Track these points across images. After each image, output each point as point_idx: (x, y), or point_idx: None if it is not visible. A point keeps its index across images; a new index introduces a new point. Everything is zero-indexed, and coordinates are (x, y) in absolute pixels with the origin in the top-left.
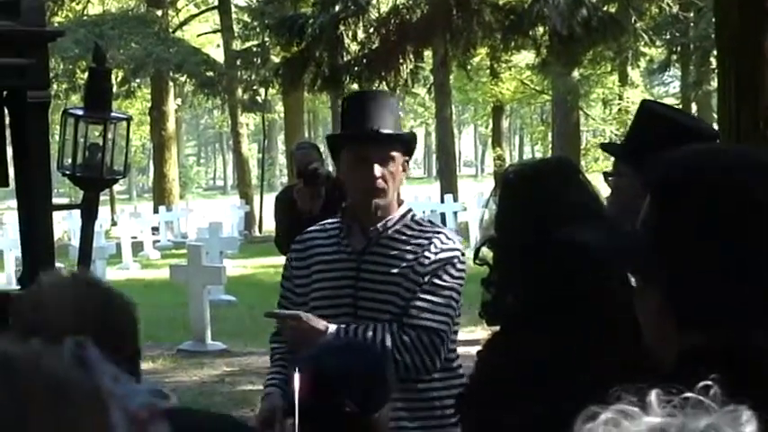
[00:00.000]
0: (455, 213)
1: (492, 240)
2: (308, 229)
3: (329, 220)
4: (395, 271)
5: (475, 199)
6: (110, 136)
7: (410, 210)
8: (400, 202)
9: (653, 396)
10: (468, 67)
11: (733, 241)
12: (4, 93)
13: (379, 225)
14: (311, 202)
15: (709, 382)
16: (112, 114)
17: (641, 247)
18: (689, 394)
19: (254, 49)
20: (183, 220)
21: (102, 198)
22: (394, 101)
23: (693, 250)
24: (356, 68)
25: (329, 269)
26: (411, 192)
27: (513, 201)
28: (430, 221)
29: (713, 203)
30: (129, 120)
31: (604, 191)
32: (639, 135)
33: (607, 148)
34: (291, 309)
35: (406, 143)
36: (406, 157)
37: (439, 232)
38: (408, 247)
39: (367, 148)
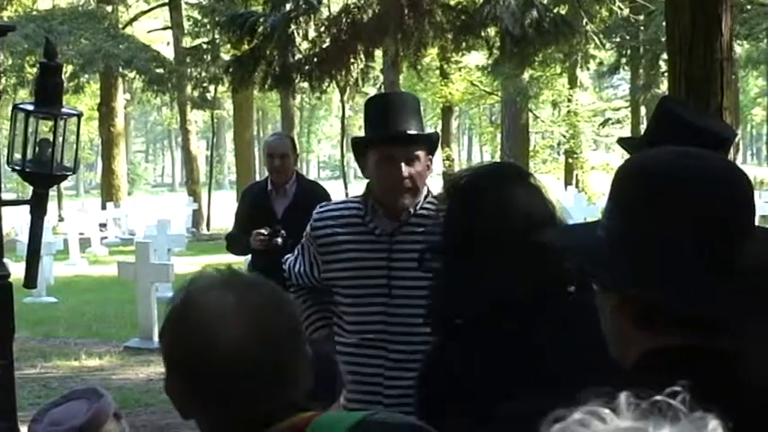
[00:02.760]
0: None
1: (438, 247)
2: (328, 206)
3: (343, 206)
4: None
5: None
6: (60, 132)
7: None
8: None
9: (622, 399)
10: (419, 68)
11: (689, 247)
12: None
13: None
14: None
15: (678, 388)
16: (63, 110)
17: (603, 250)
18: (658, 398)
19: (204, 46)
20: (131, 216)
21: (49, 194)
22: (415, 101)
23: (652, 254)
24: (307, 67)
25: (358, 249)
26: (360, 189)
27: (461, 207)
28: None
29: (671, 211)
30: (79, 116)
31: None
32: (657, 133)
33: (624, 143)
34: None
35: (429, 142)
36: (430, 156)
37: None
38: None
39: (393, 148)
